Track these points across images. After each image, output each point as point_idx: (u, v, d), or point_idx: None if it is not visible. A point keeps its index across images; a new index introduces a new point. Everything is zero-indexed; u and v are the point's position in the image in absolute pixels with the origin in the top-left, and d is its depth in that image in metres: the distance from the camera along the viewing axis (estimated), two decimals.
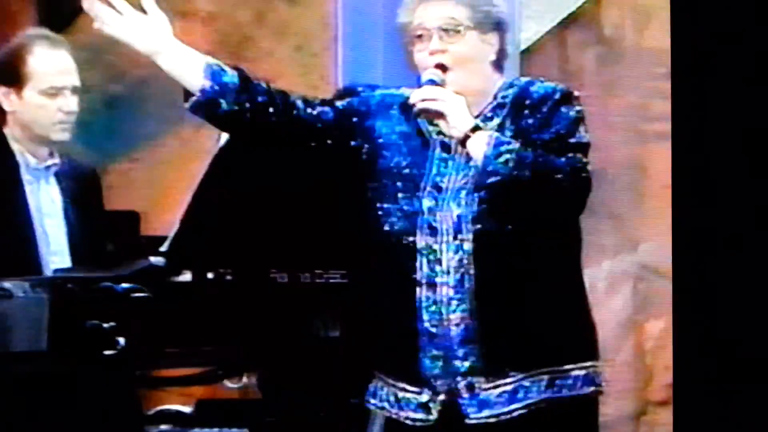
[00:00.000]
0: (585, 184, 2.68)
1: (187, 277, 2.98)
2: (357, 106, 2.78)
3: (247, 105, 2.72)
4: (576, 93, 2.74)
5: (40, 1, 5.15)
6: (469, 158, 2.71)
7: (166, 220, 3.22)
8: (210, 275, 2.99)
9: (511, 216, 2.67)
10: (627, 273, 3.71)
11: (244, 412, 3.72)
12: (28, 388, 2.90)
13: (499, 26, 2.75)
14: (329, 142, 2.75)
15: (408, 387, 2.72)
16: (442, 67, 2.71)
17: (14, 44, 3.31)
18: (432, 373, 2.69)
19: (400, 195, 2.72)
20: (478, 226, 2.67)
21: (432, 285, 2.68)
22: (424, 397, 2.70)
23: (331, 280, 3.15)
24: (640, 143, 4.01)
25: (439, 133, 2.74)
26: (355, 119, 2.77)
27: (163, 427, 3.78)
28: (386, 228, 2.71)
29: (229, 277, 2.99)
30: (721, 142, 2.51)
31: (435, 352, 2.69)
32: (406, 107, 2.75)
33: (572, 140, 2.69)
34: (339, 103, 2.77)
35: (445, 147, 2.74)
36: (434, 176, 2.73)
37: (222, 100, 2.74)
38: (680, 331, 2.49)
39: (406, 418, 2.73)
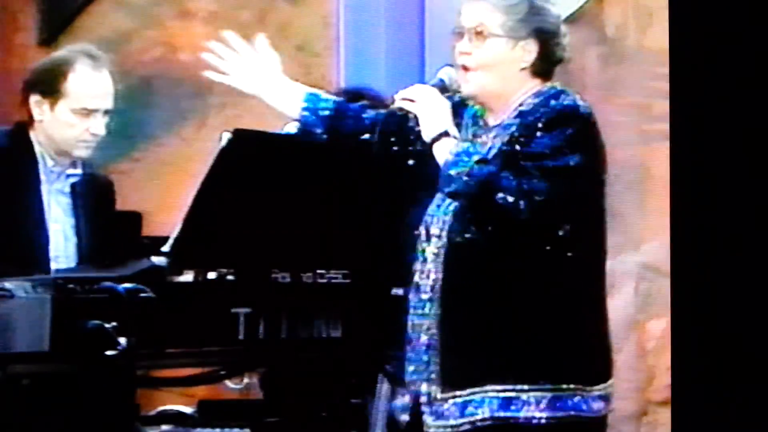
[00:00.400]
0: (538, 208, 2.65)
1: (188, 277, 2.98)
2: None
3: (339, 131, 2.90)
4: (588, 113, 2.72)
5: (40, 0, 5.15)
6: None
7: (167, 220, 3.22)
8: (212, 275, 2.99)
9: (472, 227, 2.70)
10: (629, 273, 3.70)
11: (246, 413, 3.72)
12: (31, 388, 2.90)
13: (538, 34, 2.74)
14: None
15: (401, 390, 2.84)
16: (465, 69, 2.74)
17: (59, 56, 3.34)
18: (408, 377, 2.78)
19: (426, 198, 2.79)
20: (449, 234, 2.72)
21: (417, 289, 2.75)
22: (406, 399, 2.80)
23: (333, 281, 3.14)
24: (642, 143, 4.01)
25: (474, 135, 2.79)
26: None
27: (164, 427, 3.78)
28: (412, 231, 2.80)
29: (230, 277, 2.99)
30: (720, 142, 2.50)
31: (410, 355, 2.77)
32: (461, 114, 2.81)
33: (549, 163, 2.67)
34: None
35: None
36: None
37: (317, 129, 2.93)
38: (679, 331, 2.48)
39: (399, 420, 2.83)
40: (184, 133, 5.01)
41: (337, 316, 3.10)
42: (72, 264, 3.26)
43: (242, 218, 2.98)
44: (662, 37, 4.24)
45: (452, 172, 2.67)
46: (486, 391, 2.66)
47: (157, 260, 2.91)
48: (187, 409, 3.92)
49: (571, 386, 2.67)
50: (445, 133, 2.72)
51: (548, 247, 2.70)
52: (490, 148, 2.74)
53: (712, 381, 2.45)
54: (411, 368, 2.76)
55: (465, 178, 2.66)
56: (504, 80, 2.75)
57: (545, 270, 2.71)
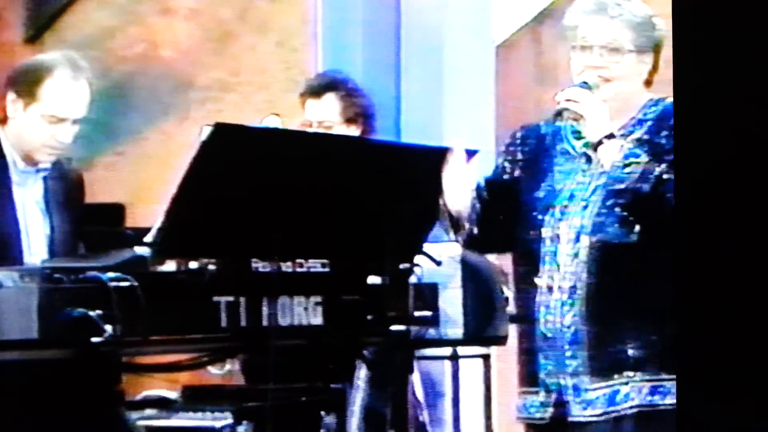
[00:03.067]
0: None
1: (171, 266, 3.02)
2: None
3: None
4: None
5: None
6: (602, 172, 2.83)
7: (150, 211, 3.27)
8: (194, 265, 3.03)
9: (630, 229, 2.78)
10: None
11: (228, 398, 3.77)
12: (19, 375, 2.95)
13: (656, 47, 2.88)
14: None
15: (529, 389, 2.89)
16: (603, 81, 2.85)
17: (41, 60, 3.36)
18: (545, 372, 2.85)
19: (531, 206, 2.88)
20: (597, 235, 2.79)
21: (550, 289, 2.83)
22: (542, 396, 2.86)
23: (312, 270, 3.20)
24: None
25: (584, 146, 2.87)
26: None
27: (149, 411, 3.82)
28: (528, 234, 2.86)
29: (212, 267, 3.04)
30: (721, 145, 2.55)
31: (548, 352, 2.84)
32: (557, 128, 2.90)
33: None
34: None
35: (588, 159, 2.87)
36: (570, 187, 2.86)
37: None
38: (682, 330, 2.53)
39: (530, 419, 2.89)
40: (166, 127, 5.07)
41: (316, 304, 3.15)
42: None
43: (223, 209, 3.02)
44: None
45: (626, 170, 2.75)
46: (635, 380, 2.77)
47: (141, 250, 2.95)
48: (171, 394, 3.96)
49: None
50: (612, 135, 2.81)
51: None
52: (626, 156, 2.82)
53: (716, 383, 2.48)
54: (550, 364, 2.83)
55: (638, 177, 2.74)
56: (632, 91, 2.88)
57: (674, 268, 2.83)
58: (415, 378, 3.72)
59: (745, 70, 2.06)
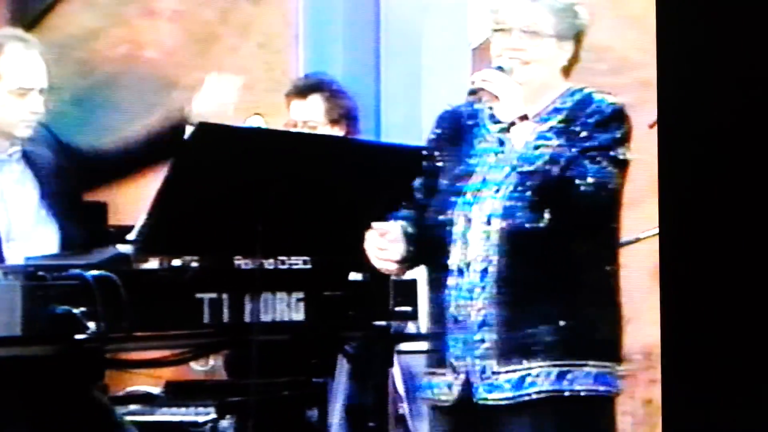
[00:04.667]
0: (609, 197, 2.77)
1: (154, 264, 3.05)
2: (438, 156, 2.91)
3: None
4: (626, 112, 2.83)
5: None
6: (513, 153, 2.79)
7: (133, 210, 3.30)
8: (176, 262, 3.06)
9: (539, 213, 2.75)
10: None
11: (211, 393, 3.78)
12: (3, 371, 2.97)
13: (577, 36, 2.87)
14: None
15: (436, 370, 2.85)
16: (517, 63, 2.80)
17: None
18: (453, 354, 2.81)
19: (446, 187, 2.85)
20: (507, 219, 2.77)
21: (460, 272, 2.80)
22: (449, 378, 2.82)
23: (294, 266, 3.23)
24: None
25: (499, 130, 2.84)
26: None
27: (132, 407, 3.83)
28: (431, 218, 2.83)
29: (195, 264, 3.06)
30: (709, 137, 2.56)
31: (457, 334, 2.80)
32: (476, 114, 2.86)
33: (611, 154, 2.78)
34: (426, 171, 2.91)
35: (502, 143, 2.84)
36: (483, 170, 2.83)
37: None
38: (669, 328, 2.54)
39: (436, 399, 2.85)
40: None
41: (298, 300, 3.17)
42: (43, 235, 3.25)
43: (206, 207, 3.04)
44: (603, 34, 4.34)
45: (536, 152, 2.72)
46: (543, 366, 2.75)
47: (123, 248, 2.97)
48: (155, 390, 3.98)
49: (608, 363, 2.80)
50: (525, 116, 2.78)
51: (602, 233, 2.81)
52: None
53: (703, 381, 2.50)
54: (459, 346, 2.79)
55: (547, 160, 2.71)
56: (549, 78, 2.83)
57: (594, 255, 2.82)
58: (396, 372, 3.73)
59: (725, 69, 2.09)
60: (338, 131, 4.01)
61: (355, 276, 3.31)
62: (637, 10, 4.11)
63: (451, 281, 2.81)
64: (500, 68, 2.83)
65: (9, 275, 2.86)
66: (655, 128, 2.36)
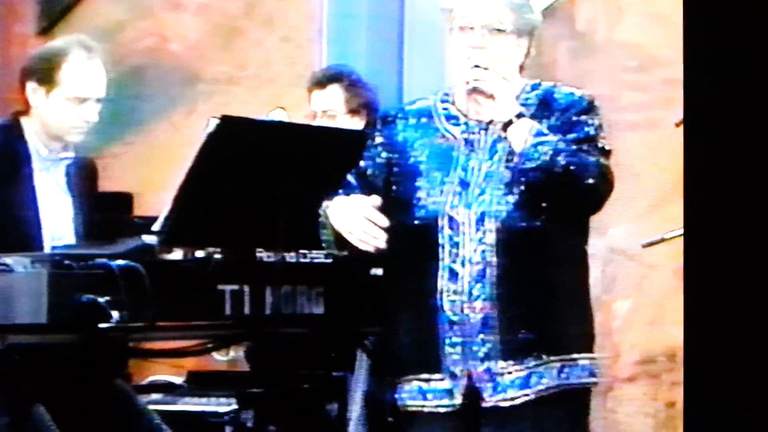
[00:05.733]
0: (610, 185, 2.78)
1: (178, 255, 3.07)
2: (388, 138, 2.88)
3: None
4: (597, 102, 2.85)
5: None
6: (492, 153, 2.79)
7: (158, 201, 3.32)
8: (200, 253, 3.08)
9: (536, 211, 2.75)
10: (596, 256, 3.85)
11: (232, 383, 3.80)
12: (30, 358, 2.99)
13: (532, 32, 2.86)
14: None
15: (431, 376, 2.80)
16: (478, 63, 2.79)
17: (54, 46, 3.43)
18: (452, 359, 2.77)
19: (425, 192, 2.81)
20: (502, 219, 2.76)
21: (454, 275, 2.77)
22: (447, 384, 2.78)
23: (315, 260, 3.24)
24: (610, 133, 4.14)
25: (463, 132, 2.82)
26: (389, 150, 2.87)
27: (154, 396, 3.87)
28: (413, 222, 2.80)
29: (217, 256, 3.08)
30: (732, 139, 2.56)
31: (455, 338, 2.77)
32: (429, 114, 2.85)
33: (599, 145, 2.80)
34: (377, 149, 2.88)
35: (469, 144, 2.82)
36: (458, 174, 2.80)
37: None
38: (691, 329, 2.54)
39: (432, 406, 2.80)
40: (174, 119, 5.12)
41: (319, 293, 3.19)
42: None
43: (228, 199, 3.06)
44: (631, 31, 4.37)
45: (539, 149, 2.71)
46: (547, 362, 2.75)
47: (148, 239, 3.00)
48: (177, 380, 4.02)
49: (593, 355, 2.84)
50: (521, 115, 2.77)
51: (584, 222, 2.83)
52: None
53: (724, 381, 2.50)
54: (459, 350, 2.76)
55: (549, 155, 2.70)
56: (510, 75, 2.82)
57: (581, 250, 2.85)
58: None
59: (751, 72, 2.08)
60: (358, 121, 4.02)
61: (375, 271, 3.32)
62: (666, 7, 4.11)
63: (442, 283, 2.78)
64: (478, 67, 2.81)
65: (36, 263, 2.89)
66: (681, 127, 2.36)
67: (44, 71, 3.36)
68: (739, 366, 2.29)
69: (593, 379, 2.85)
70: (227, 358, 4.14)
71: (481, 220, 2.78)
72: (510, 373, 2.77)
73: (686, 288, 2.28)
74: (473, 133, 2.83)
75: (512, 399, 2.77)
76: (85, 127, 3.38)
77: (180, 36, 5.14)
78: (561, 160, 2.72)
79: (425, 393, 2.81)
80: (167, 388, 3.93)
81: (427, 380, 2.81)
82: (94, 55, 3.39)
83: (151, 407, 3.56)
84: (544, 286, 2.78)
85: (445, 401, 2.80)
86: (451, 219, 2.79)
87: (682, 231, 2.99)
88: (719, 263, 2.21)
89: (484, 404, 2.78)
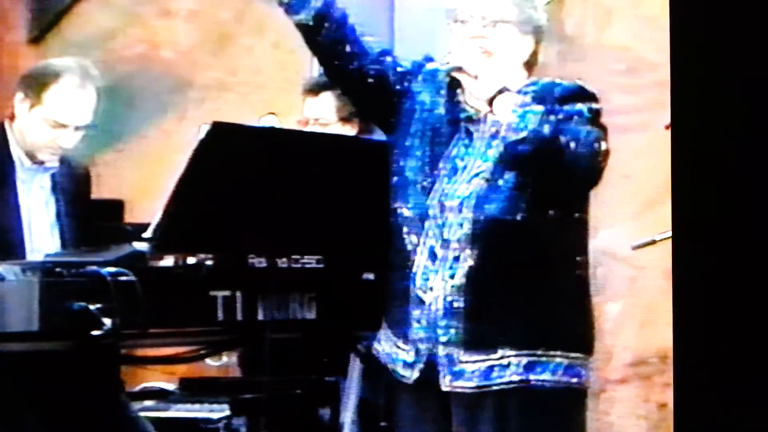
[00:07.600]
0: (601, 154, 2.75)
1: (169, 261, 3.07)
2: (407, 70, 2.93)
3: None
4: (595, 92, 2.85)
5: (30, 0, 5.27)
6: (489, 146, 2.80)
7: (149, 207, 3.32)
8: (191, 260, 3.09)
9: (521, 203, 2.76)
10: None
11: (225, 389, 3.82)
12: (21, 365, 3.02)
13: (536, 32, 2.87)
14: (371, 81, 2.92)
15: (401, 344, 2.84)
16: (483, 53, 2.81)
17: (50, 64, 3.42)
18: (417, 336, 2.81)
19: (418, 170, 2.84)
20: (485, 209, 2.77)
21: (433, 255, 2.80)
22: (411, 356, 2.82)
23: (307, 266, 3.25)
24: None
25: (467, 119, 2.84)
26: (401, 80, 2.92)
27: (147, 402, 3.87)
28: (402, 198, 2.84)
29: (209, 262, 3.09)
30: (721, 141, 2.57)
31: (421, 317, 2.80)
32: (445, 83, 2.85)
33: (592, 126, 2.78)
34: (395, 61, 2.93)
35: (468, 133, 2.84)
36: (454, 157, 2.83)
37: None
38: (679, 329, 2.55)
39: (393, 371, 2.86)
40: (165, 125, 5.14)
41: (311, 298, 3.20)
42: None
43: (220, 206, 3.07)
44: (620, 34, 4.39)
45: (525, 119, 2.69)
46: (511, 355, 2.74)
47: (139, 246, 3.00)
48: (169, 386, 4.01)
49: (579, 355, 2.80)
50: (505, 89, 2.76)
51: (574, 222, 2.82)
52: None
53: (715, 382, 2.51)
54: (422, 330, 2.78)
55: (535, 123, 2.68)
56: (512, 68, 2.83)
57: (567, 245, 2.83)
58: None
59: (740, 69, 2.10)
60: (349, 129, 4.03)
61: (367, 275, 3.33)
62: (654, 10, 4.13)
63: (420, 260, 2.80)
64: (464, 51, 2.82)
65: (27, 271, 2.90)
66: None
67: (33, 86, 3.35)
68: (729, 367, 2.30)
69: (572, 380, 2.80)
70: (220, 364, 4.14)
71: (465, 207, 2.79)
72: (472, 362, 2.76)
73: (675, 290, 2.29)
74: (474, 122, 2.84)
75: (469, 388, 2.77)
76: (58, 151, 3.35)
77: (171, 43, 5.15)
78: (547, 126, 2.70)
79: (392, 356, 2.85)
80: (160, 395, 3.93)
81: (397, 345, 2.84)
82: (89, 83, 3.36)
83: (144, 414, 3.57)
84: (518, 280, 2.76)
85: (406, 372, 2.83)
86: (441, 202, 2.80)
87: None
88: (708, 265, 2.23)
89: (442, 387, 2.79)
